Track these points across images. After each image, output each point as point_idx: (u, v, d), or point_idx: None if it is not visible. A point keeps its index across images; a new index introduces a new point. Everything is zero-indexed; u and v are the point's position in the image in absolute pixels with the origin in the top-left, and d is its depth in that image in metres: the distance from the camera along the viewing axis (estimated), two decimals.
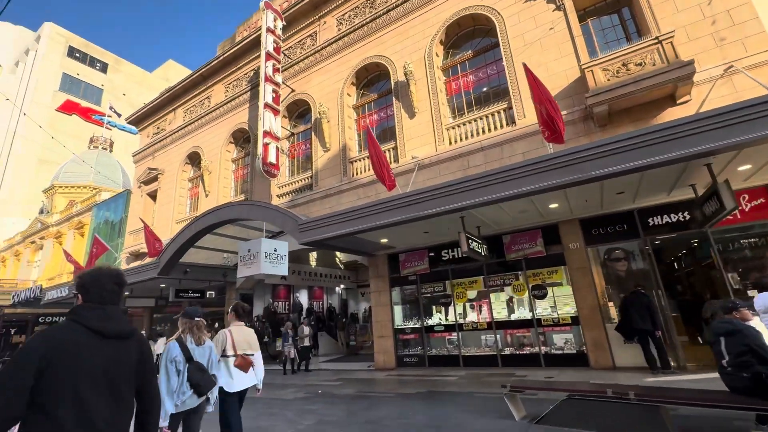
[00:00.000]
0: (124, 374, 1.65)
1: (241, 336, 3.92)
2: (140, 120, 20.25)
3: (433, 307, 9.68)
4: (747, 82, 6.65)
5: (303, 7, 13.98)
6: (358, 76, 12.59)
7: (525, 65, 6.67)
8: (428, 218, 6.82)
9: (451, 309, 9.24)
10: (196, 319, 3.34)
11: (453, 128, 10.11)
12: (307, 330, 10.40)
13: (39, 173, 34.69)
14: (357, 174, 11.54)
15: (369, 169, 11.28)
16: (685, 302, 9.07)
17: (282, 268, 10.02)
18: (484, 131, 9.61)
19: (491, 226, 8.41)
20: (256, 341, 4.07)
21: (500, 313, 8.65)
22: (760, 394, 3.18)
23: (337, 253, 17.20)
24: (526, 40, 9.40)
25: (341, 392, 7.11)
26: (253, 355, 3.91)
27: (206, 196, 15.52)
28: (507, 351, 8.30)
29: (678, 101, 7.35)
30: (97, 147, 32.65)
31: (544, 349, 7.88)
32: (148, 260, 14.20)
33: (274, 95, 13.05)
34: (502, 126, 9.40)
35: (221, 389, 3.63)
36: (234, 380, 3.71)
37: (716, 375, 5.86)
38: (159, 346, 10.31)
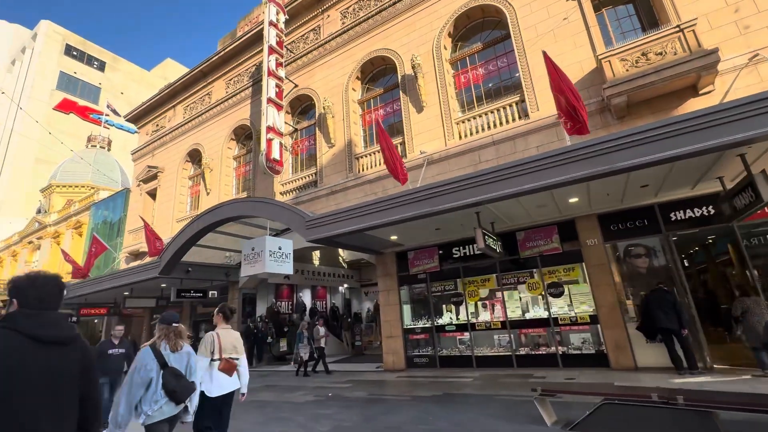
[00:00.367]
0: (65, 382, 1.58)
1: (228, 339, 3.83)
2: (139, 117, 19.90)
3: (444, 306, 9.40)
4: None
5: (306, 1, 13.68)
6: (364, 71, 12.30)
7: (544, 53, 6.39)
8: (443, 214, 6.53)
9: (462, 308, 8.96)
10: (174, 325, 3.23)
11: (463, 122, 9.83)
12: (322, 330, 10.01)
13: (36, 173, 34.28)
14: (363, 170, 11.26)
15: (376, 165, 11.01)
16: (708, 300, 8.79)
17: (287, 267, 9.73)
18: (495, 125, 9.35)
19: (505, 222, 8.14)
20: (242, 345, 3.98)
21: (514, 312, 8.38)
22: None
23: (341, 252, 16.91)
24: (538, 31, 9.13)
25: (353, 395, 6.83)
26: (238, 359, 3.83)
27: (207, 194, 15.22)
28: (522, 351, 8.03)
29: (700, 92, 7.10)
30: (95, 146, 32.26)
31: (561, 349, 7.62)
32: (148, 260, 13.88)
33: (277, 90, 12.76)
34: (514, 119, 9.14)
35: (201, 393, 3.51)
36: (216, 385, 3.60)
37: (748, 376, 5.65)
38: None
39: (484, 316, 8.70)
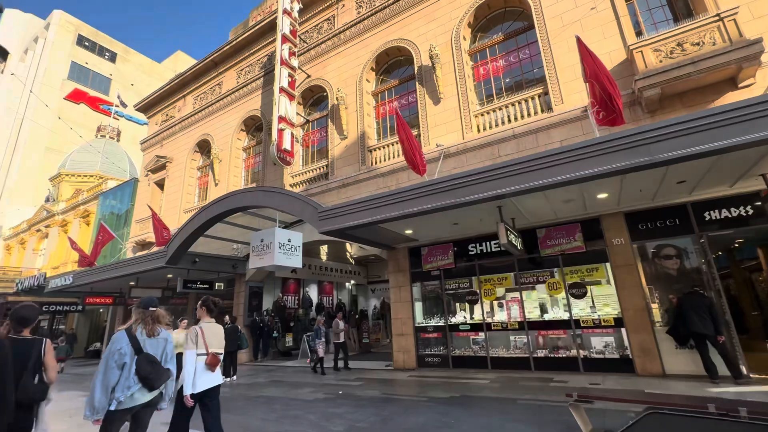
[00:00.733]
0: None
1: (212, 334, 3.74)
2: (149, 107, 19.76)
3: (458, 304, 9.08)
4: None
5: None
6: (378, 62, 11.99)
7: (578, 38, 6.04)
8: (465, 207, 6.21)
9: (477, 307, 8.64)
10: (151, 309, 3.16)
11: (482, 115, 9.49)
12: (342, 324, 9.55)
13: (46, 161, 34.40)
14: (376, 163, 10.96)
15: (389, 158, 10.72)
16: (733, 305, 8.38)
17: (296, 260, 9.49)
18: (516, 118, 8.99)
19: (526, 218, 7.80)
20: (223, 339, 3.90)
21: (532, 312, 8.04)
22: None
23: (348, 248, 16.66)
24: (564, 21, 8.76)
25: (365, 394, 6.54)
26: (221, 353, 3.78)
27: (216, 184, 15.01)
28: (540, 353, 7.69)
29: (740, 85, 6.70)
30: (105, 136, 32.28)
31: (582, 352, 7.27)
32: (155, 249, 13.71)
33: (290, 80, 12.49)
34: (536, 112, 8.78)
35: (180, 390, 3.48)
36: (198, 380, 3.51)
37: None
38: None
39: (500, 315, 8.36)
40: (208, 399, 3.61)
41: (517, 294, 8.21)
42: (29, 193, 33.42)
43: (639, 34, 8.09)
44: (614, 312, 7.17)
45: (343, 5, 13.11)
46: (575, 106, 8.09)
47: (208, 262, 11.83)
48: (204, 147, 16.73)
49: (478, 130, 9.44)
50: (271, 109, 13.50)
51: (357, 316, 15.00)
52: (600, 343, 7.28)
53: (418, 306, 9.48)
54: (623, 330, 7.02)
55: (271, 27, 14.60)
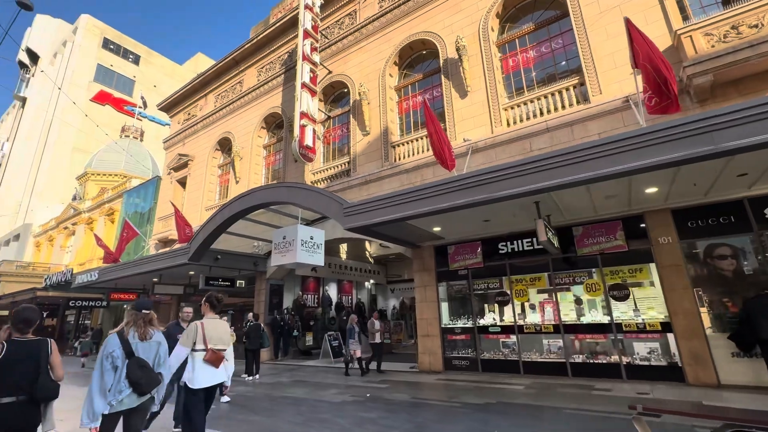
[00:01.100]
0: None
1: (214, 329, 3.66)
2: (171, 106, 20.03)
3: (486, 305, 8.71)
4: None
5: None
6: (402, 56, 11.71)
7: (627, 20, 5.61)
8: (501, 201, 5.85)
9: (508, 308, 8.24)
10: (144, 311, 3.09)
11: (512, 108, 9.09)
12: (378, 324, 8.99)
13: (73, 161, 35.52)
14: (400, 159, 10.67)
15: (413, 154, 10.42)
16: None
17: (318, 258, 9.30)
18: (549, 111, 8.56)
19: (562, 215, 7.38)
20: (228, 336, 3.82)
21: (568, 315, 7.60)
22: None
23: (367, 247, 16.43)
24: (602, 7, 8.29)
25: (394, 397, 6.26)
26: (224, 350, 3.67)
27: (237, 182, 15.02)
28: (577, 359, 7.25)
29: None
30: (128, 136, 33.07)
31: (624, 358, 6.79)
32: (177, 246, 13.79)
33: (312, 75, 12.33)
34: (571, 104, 8.33)
35: (185, 385, 3.47)
36: (198, 376, 3.46)
37: None
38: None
39: (533, 318, 7.95)
40: (207, 396, 3.58)
41: (551, 295, 7.78)
42: (58, 191, 34.57)
43: (685, 19, 7.56)
44: (660, 316, 6.67)
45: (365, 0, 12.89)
46: (615, 97, 7.61)
47: (229, 259, 11.79)
48: (225, 145, 16.80)
49: (508, 124, 9.04)
50: (291, 106, 13.40)
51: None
52: (644, 349, 6.79)
53: (444, 306, 9.14)
54: (671, 335, 6.52)
55: (292, 24, 14.52)
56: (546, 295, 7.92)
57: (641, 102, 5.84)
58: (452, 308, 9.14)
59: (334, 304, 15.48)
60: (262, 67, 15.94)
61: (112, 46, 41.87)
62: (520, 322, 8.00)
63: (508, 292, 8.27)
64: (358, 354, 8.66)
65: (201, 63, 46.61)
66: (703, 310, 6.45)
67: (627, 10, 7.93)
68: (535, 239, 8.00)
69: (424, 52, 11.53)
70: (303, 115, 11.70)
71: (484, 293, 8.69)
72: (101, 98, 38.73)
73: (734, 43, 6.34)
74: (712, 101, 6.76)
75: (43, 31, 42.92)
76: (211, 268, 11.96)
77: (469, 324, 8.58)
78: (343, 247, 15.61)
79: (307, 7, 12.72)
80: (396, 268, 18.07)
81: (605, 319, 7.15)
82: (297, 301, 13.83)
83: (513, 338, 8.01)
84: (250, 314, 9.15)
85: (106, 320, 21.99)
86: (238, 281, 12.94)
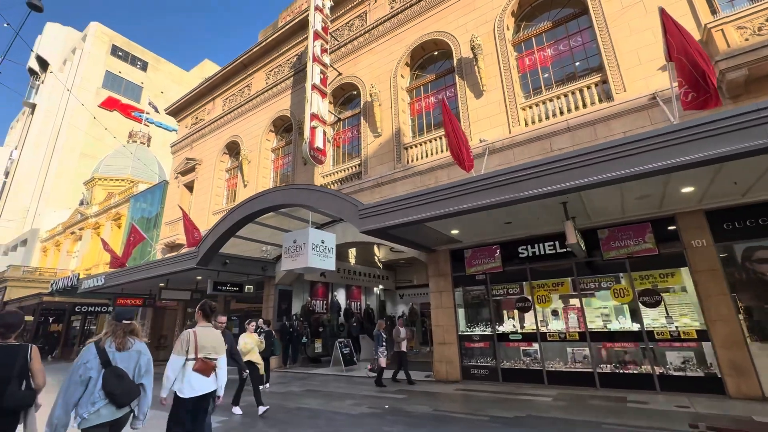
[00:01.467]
0: None
1: (206, 338, 3.59)
2: (179, 110, 19.99)
3: (505, 312, 8.36)
4: None
5: None
6: (413, 56, 11.52)
7: (662, 9, 5.33)
8: (526, 202, 5.55)
9: (529, 315, 7.89)
10: (124, 321, 3.00)
11: (530, 107, 8.82)
12: (404, 332, 8.57)
13: (81, 166, 35.68)
14: (412, 161, 10.42)
15: (427, 156, 10.16)
16: None
17: (329, 262, 9.01)
18: (569, 110, 8.28)
19: (588, 217, 7.05)
20: (221, 345, 3.73)
21: (594, 322, 7.24)
22: None
23: (376, 252, 16.12)
24: (624, 3, 8.03)
25: (414, 409, 5.92)
26: (216, 359, 3.59)
27: (245, 186, 14.83)
28: (605, 368, 6.87)
29: None
30: (135, 141, 33.17)
31: (657, 369, 6.41)
32: (184, 250, 13.58)
33: (322, 77, 12.17)
34: (593, 103, 8.05)
35: (174, 394, 3.42)
36: (187, 385, 3.39)
37: None
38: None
39: (557, 325, 7.59)
40: (198, 407, 3.46)
41: (576, 301, 7.43)
42: (65, 196, 34.68)
43: (713, 12, 7.28)
44: (695, 323, 6.30)
45: (376, 1, 12.75)
46: (640, 94, 7.32)
47: (237, 264, 11.53)
48: (233, 149, 16.66)
49: (526, 124, 8.77)
50: (301, 109, 13.24)
51: (388, 323, 14.36)
52: (677, 359, 6.41)
53: (461, 313, 8.80)
54: (707, 344, 6.14)
55: (301, 27, 14.42)
56: (570, 301, 7.56)
57: (675, 97, 5.54)
58: (469, 315, 8.80)
59: (343, 310, 15.16)
60: (270, 71, 15.83)
61: (120, 53, 42.29)
62: (543, 330, 7.64)
63: (529, 297, 7.92)
64: (383, 363, 8.25)
65: (208, 69, 46.93)
66: (741, 317, 6.08)
67: (651, 5, 7.67)
68: (557, 242, 7.68)
69: (436, 53, 11.33)
70: (313, 116, 11.51)
71: (503, 299, 8.35)
72: (109, 104, 39.02)
73: None
74: (746, 97, 6.45)
75: (53, 39, 43.47)
76: (219, 273, 11.71)
77: (488, 331, 8.23)
78: (352, 252, 15.32)
79: (317, 8, 12.61)
80: (405, 273, 17.73)
81: (635, 327, 6.78)
82: (306, 307, 13.53)
83: (535, 346, 7.65)
84: (260, 320, 8.85)
85: None
86: (246, 286, 12.68)
